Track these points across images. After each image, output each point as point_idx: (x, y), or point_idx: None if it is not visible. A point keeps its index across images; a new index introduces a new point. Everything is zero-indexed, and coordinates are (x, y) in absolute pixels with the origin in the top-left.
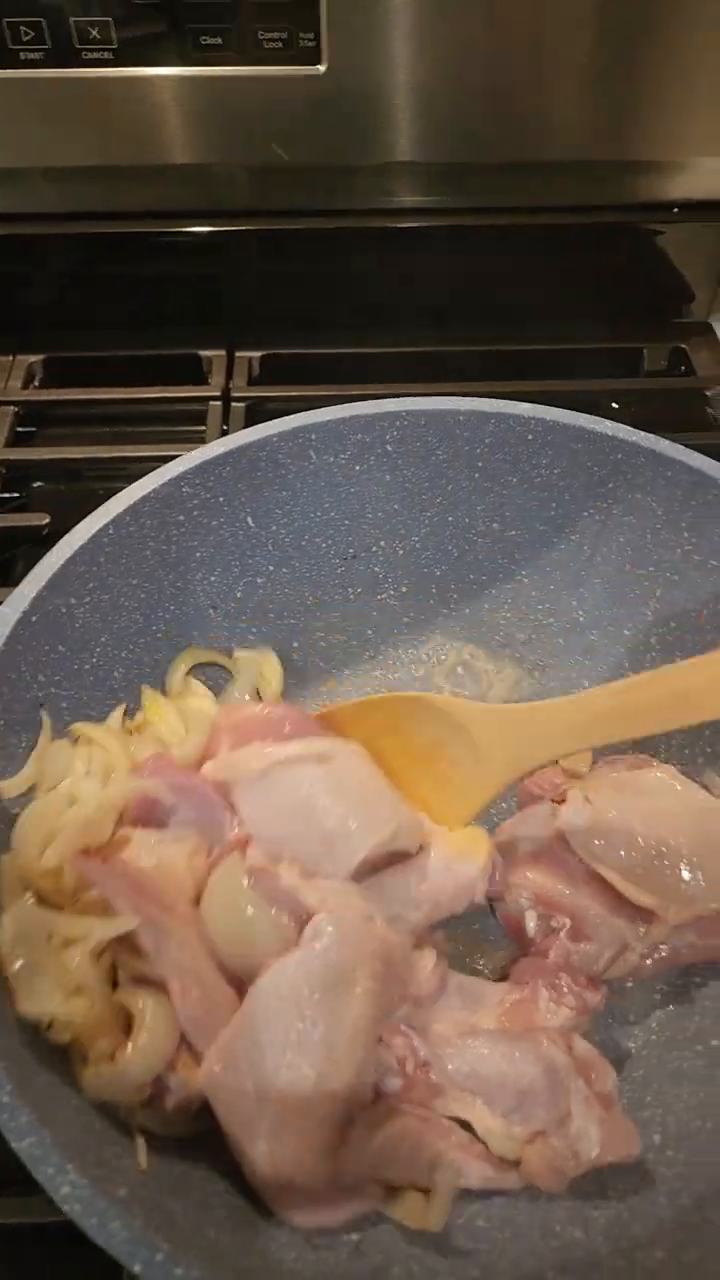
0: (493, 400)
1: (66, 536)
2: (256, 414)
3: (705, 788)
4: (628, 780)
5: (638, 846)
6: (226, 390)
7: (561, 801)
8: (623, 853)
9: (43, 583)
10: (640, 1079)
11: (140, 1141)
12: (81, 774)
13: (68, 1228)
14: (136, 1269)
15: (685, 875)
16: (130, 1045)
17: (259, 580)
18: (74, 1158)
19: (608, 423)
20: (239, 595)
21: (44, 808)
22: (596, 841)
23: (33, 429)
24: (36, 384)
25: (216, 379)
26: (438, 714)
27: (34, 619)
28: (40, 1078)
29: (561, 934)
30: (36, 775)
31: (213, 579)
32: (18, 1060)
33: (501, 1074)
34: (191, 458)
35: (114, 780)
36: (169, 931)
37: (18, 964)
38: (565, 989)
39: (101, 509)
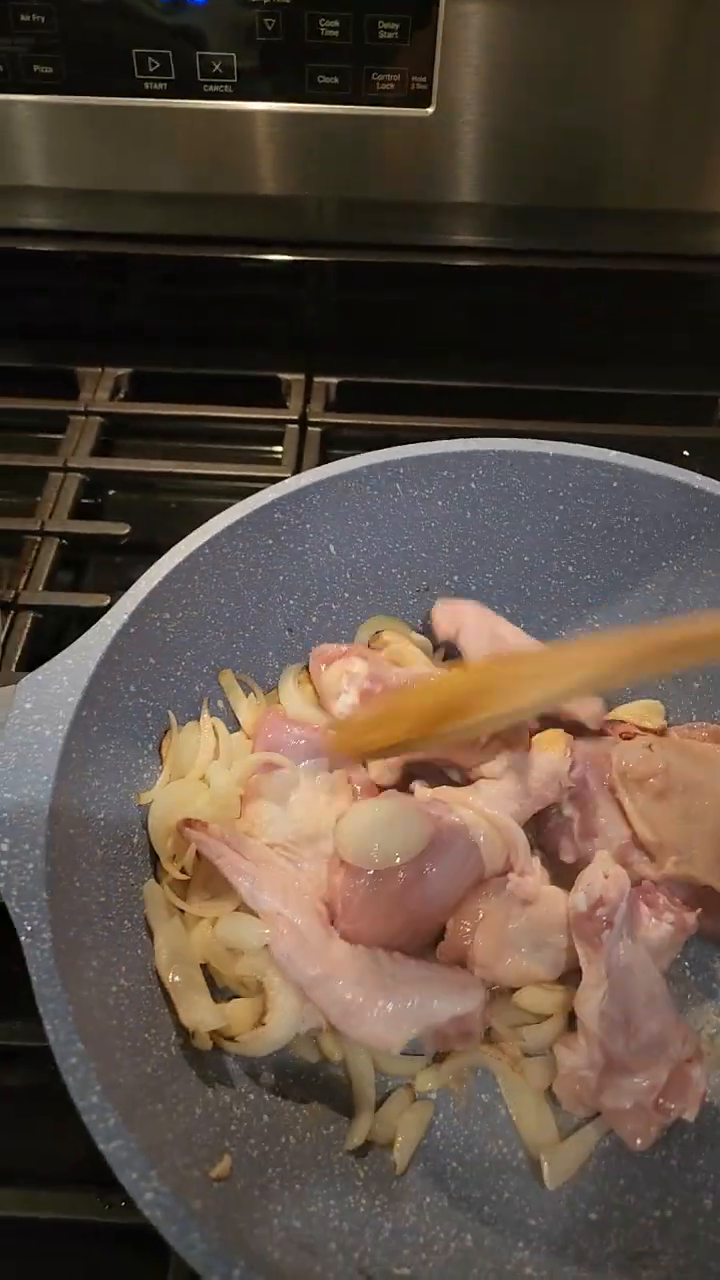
0: (580, 446)
1: (168, 553)
2: (332, 439)
3: None
4: (698, 749)
5: (670, 801)
6: (304, 414)
7: (629, 738)
8: (654, 800)
9: (144, 595)
10: (692, 1142)
11: (226, 1158)
12: (209, 760)
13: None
14: None
15: (698, 843)
16: (268, 1021)
17: (334, 606)
18: (156, 1163)
19: (694, 475)
20: (314, 619)
21: (176, 794)
22: (636, 782)
23: (109, 439)
24: (122, 396)
25: (294, 403)
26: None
27: (132, 630)
28: (123, 1080)
29: (574, 824)
30: (170, 770)
31: (292, 602)
32: (104, 1062)
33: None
34: (286, 485)
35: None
36: (262, 883)
37: (174, 978)
38: (664, 905)
39: (201, 529)
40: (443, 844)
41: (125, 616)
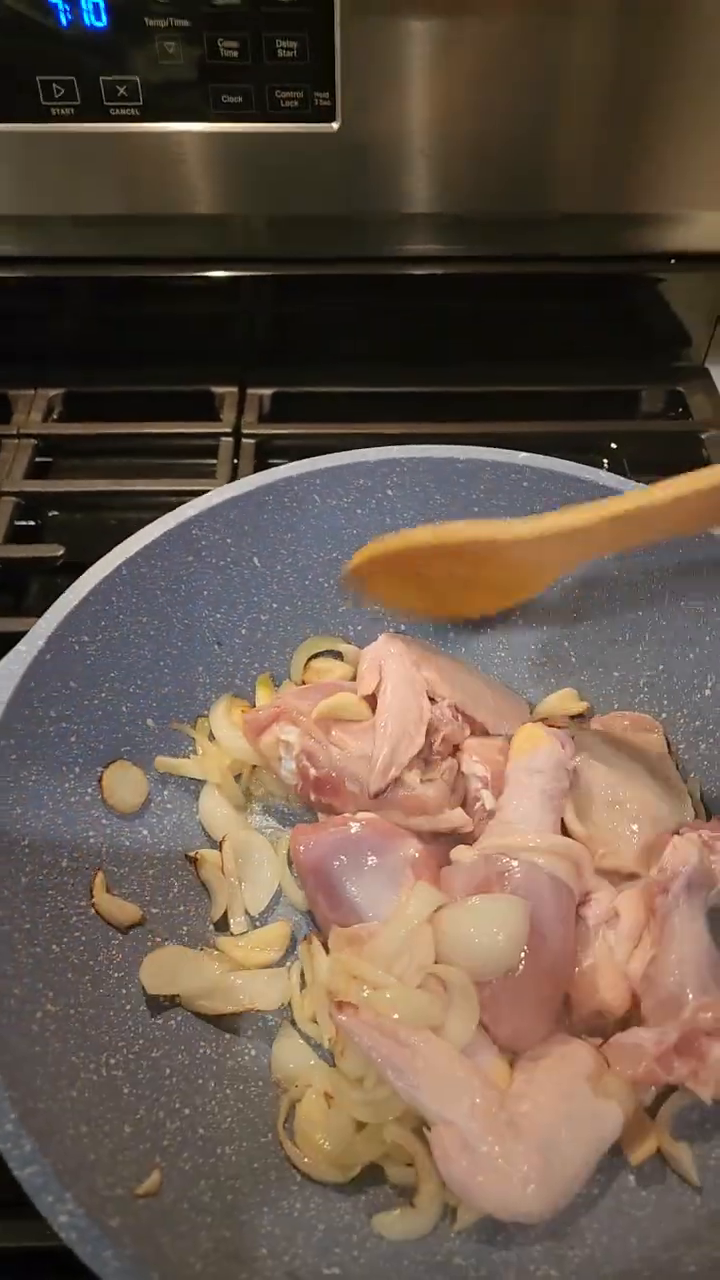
0: (489, 449)
1: (82, 576)
2: (267, 450)
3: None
4: (618, 737)
5: (597, 789)
6: (238, 427)
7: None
8: (581, 787)
9: (58, 621)
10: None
11: (155, 1174)
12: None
13: (60, 1253)
14: None
15: (623, 832)
16: (419, 1204)
17: (263, 618)
18: (71, 1186)
19: (599, 472)
20: (244, 631)
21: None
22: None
23: (49, 460)
24: (56, 417)
25: (228, 415)
26: (488, 543)
27: (49, 656)
28: (42, 1106)
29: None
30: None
31: (219, 616)
32: (22, 1089)
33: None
34: (202, 501)
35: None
36: (420, 1083)
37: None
38: None
39: (116, 550)
40: (538, 898)
41: (41, 642)
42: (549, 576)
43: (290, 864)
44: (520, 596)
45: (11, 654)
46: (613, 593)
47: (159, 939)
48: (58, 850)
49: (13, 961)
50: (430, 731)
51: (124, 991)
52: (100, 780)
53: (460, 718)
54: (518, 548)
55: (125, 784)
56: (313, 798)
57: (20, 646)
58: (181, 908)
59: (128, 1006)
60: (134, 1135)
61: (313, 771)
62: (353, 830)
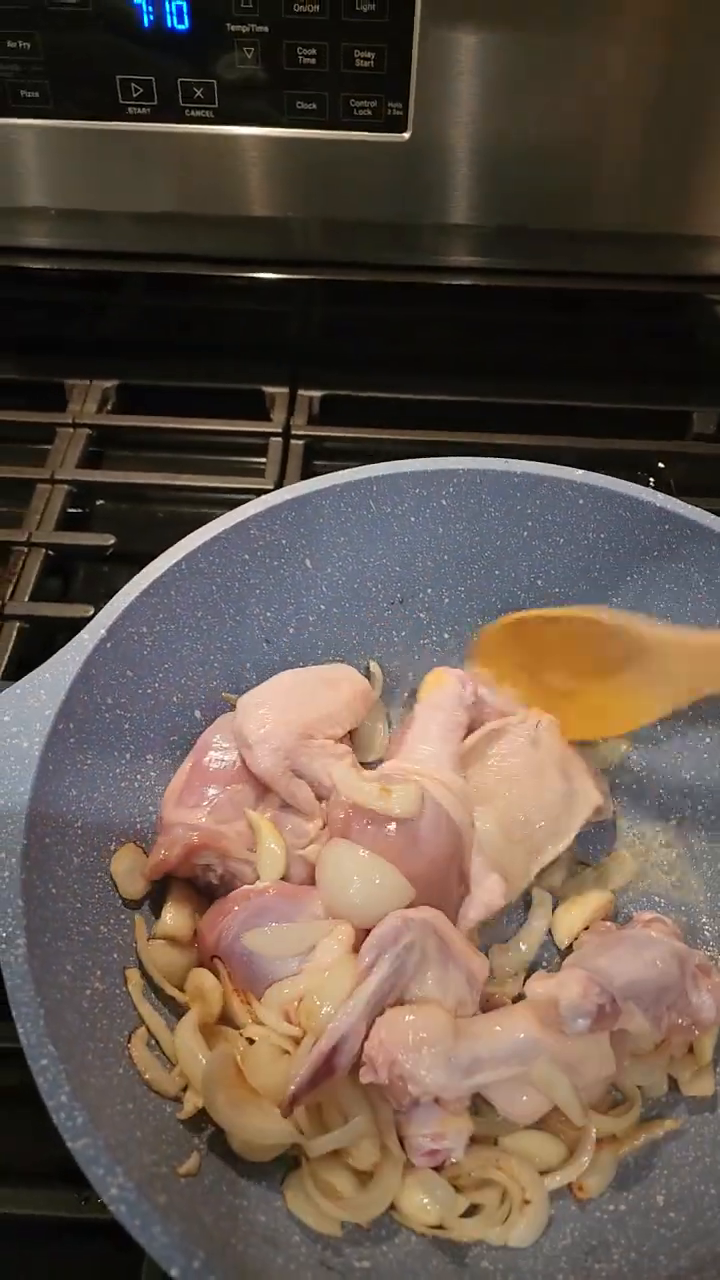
0: (545, 465)
1: (145, 568)
2: (315, 451)
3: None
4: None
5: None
6: (288, 427)
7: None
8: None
9: (121, 610)
10: (648, 1140)
11: (195, 1156)
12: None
13: (99, 1225)
14: (174, 1273)
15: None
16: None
17: (311, 618)
18: (123, 1160)
19: (657, 494)
20: (291, 631)
21: None
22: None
23: (100, 451)
24: (109, 408)
25: (278, 415)
26: (629, 635)
27: (109, 644)
28: (94, 1081)
29: None
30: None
31: (269, 614)
32: (75, 1063)
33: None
34: (262, 502)
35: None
36: None
37: None
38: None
39: (178, 545)
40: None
41: (102, 631)
42: (681, 696)
43: None
44: (635, 721)
45: (73, 641)
46: (662, 613)
47: None
48: (107, 833)
49: (66, 939)
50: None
51: None
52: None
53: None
54: (660, 655)
55: (135, 869)
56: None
57: (83, 634)
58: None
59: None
60: (172, 1117)
61: (242, 884)
62: (254, 902)
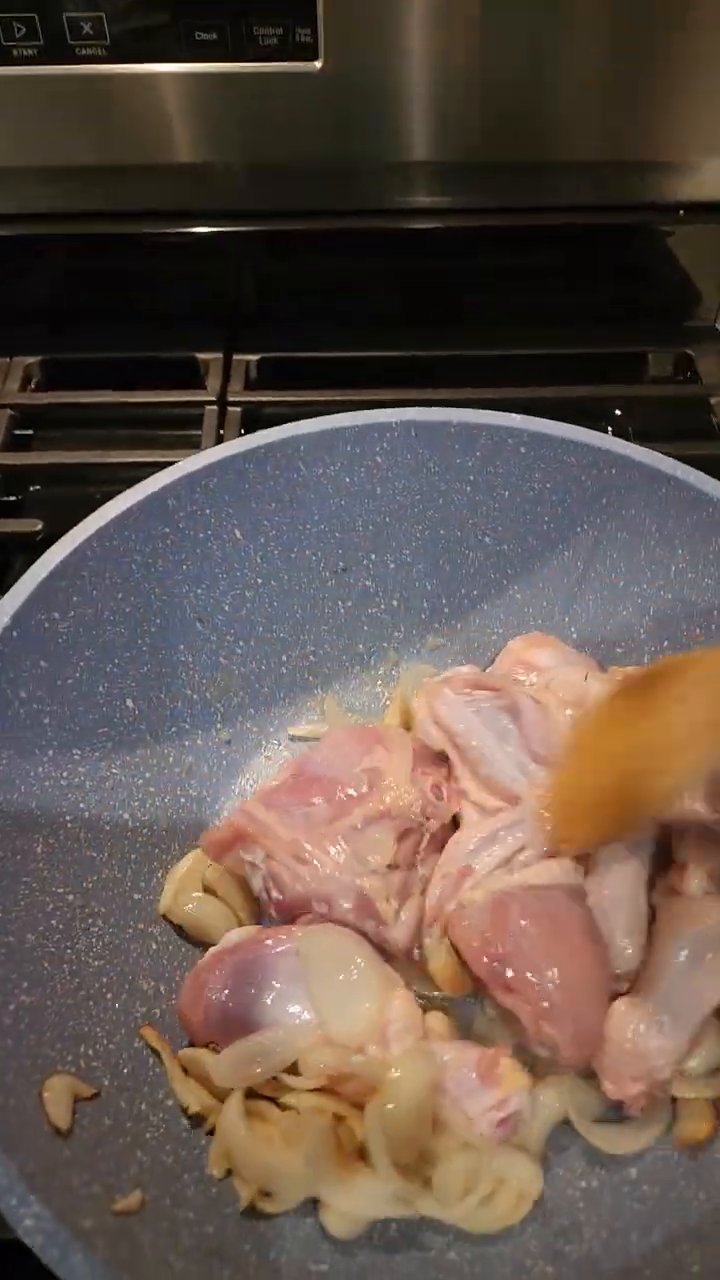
0: (484, 412)
1: (48, 551)
2: (255, 419)
3: None
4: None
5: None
6: (223, 394)
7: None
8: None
9: (23, 598)
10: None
11: (136, 1193)
12: None
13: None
14: None
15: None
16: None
17: (247, 593)
18: (39, 1189)
19: (602, 436)
20: (226, 608)
21: None
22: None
23: (30, 432)
24: (33, 386)
25: (213, 383)
26: None
27: (15, 634)
28: (13, 1102)
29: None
30: None
31: (199, 592)
32: None
33: None
34: (176, 470)
35: None
36: None
37: None
38: None
39: (83, 523)
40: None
41: (5, 619)
42: None
43: None
44: None
45: None
46: (615, 563)
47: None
48: (31, 835)
49: None
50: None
51: (104, 980)
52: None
53: (444, 796)
54: None
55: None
56: (274, 914)
57: None
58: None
59: (108, 995)
60: (113, 1129)
61: (277, 895)
62: (230, 964)
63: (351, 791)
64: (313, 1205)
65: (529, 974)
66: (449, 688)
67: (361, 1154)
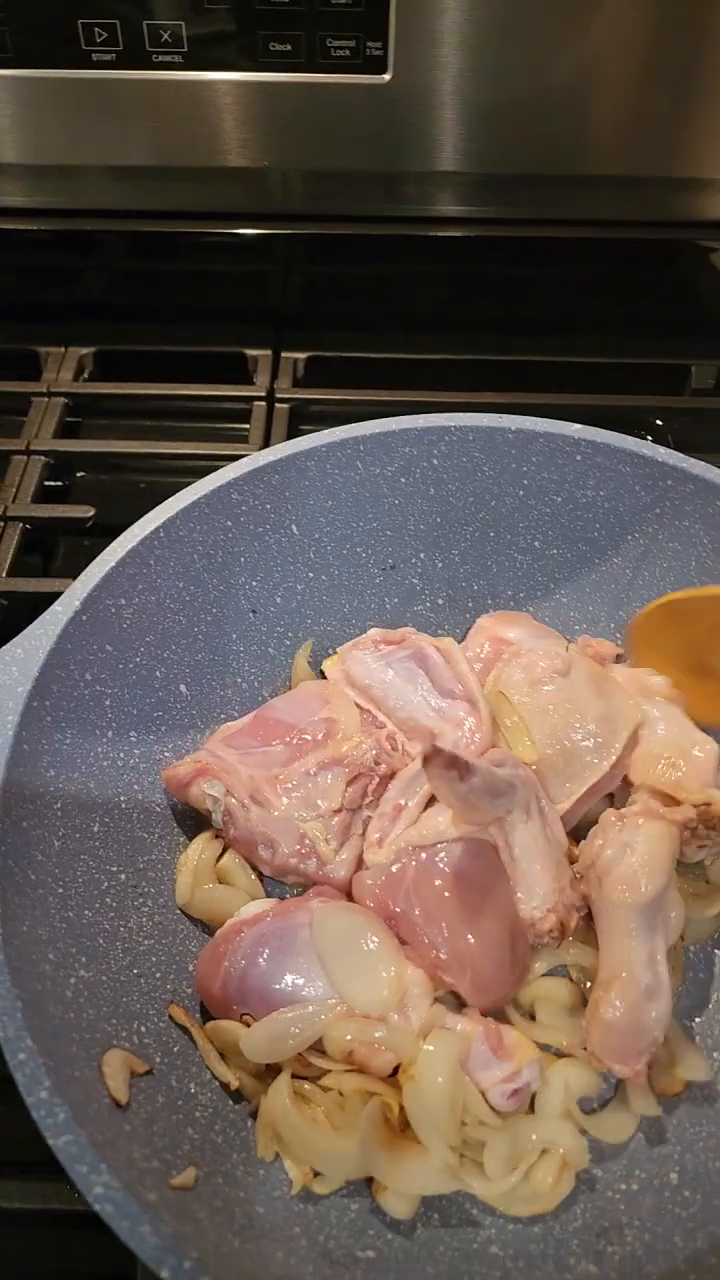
0: (541, 420)
1: (120, 538)
2: (300, 415)
3: None
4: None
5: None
6: (271, 391)
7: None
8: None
9: (95, 582)
10: (660, 1116)
11: (190, 1170)
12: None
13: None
14: (165, 1274)
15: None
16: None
17: (299, 586)
18: (108, 1158)
19: (658, 448)
20: (279, 600)
21: None
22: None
23: (78, 420)
24: (86, 376)
25: (262, 379)
26: None
27: (84, 618)
28: (78, 1074)
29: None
30: None
31: (254, 583)
32: (57, 1056)
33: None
34: (242, 465)
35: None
36: None
37: None
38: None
39: (154, 512)
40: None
41: (76, 604)
42: None
43: None
44: None
45: (46, 615)
46: (665, 572)
47: None
48: (89, 814)
49: (47, 926)
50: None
51: (154, 959)
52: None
53: (398, 747)
54: None
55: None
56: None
57: (55, 607)
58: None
59: (158, 974)
60: (166, 1105)
61: (231, 830)
62: (248, 935)
63: (308, 737)
64: (354, 1192)
65: (419, 931)
66: (357, 649)
67: (406, 1131)
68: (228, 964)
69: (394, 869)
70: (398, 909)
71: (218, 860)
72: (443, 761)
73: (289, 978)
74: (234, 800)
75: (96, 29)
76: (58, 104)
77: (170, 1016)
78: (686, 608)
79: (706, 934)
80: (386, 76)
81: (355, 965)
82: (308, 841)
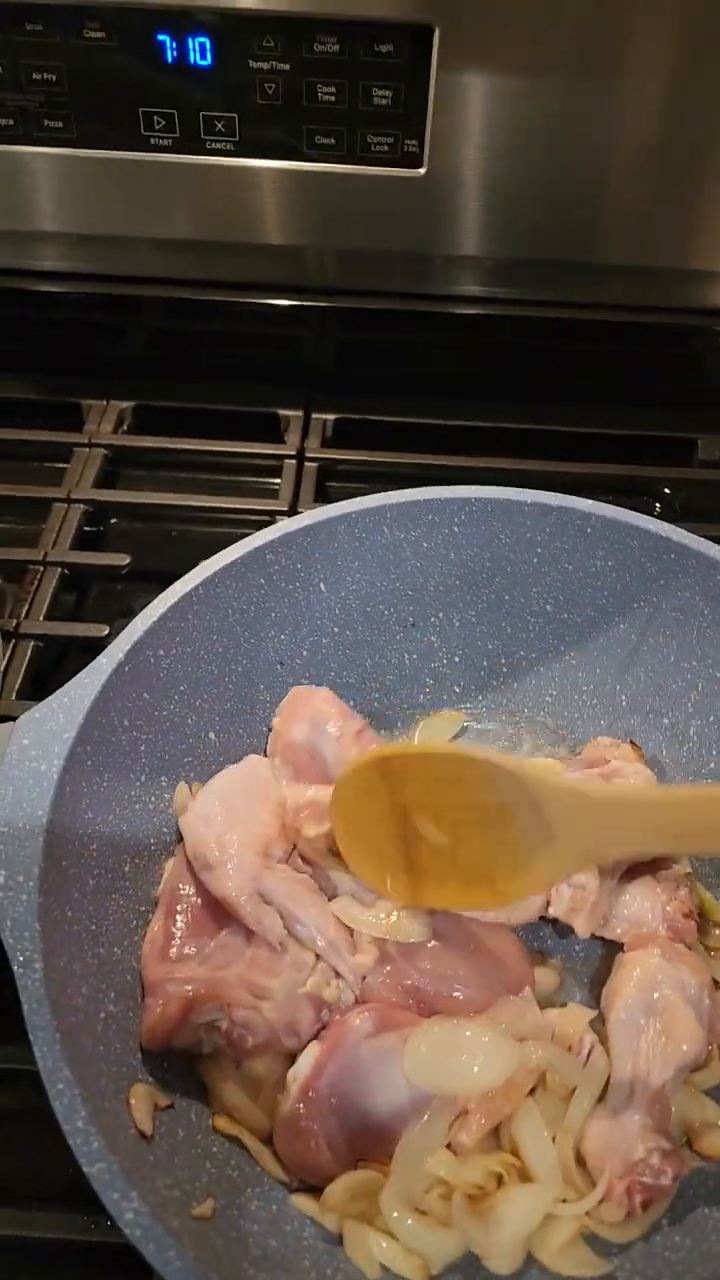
0: (555, 495)
1: (163, 593)
2: (328, 474)
3: None
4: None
5: None
6: (301, 450)
7: None
8: None
9: (139, 635)
10: (665, 1225)
11: (209, 1201)
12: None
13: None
14: None
15: None
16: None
17: (324, 641)
18: (136, 1185)
19: (662, 524)
20: (305, 653)
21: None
22: None
23: (115, 470)
24: (125, 429)
25: (293, 438)
26: (512, 781)
27: (127, 668)
28: (108, 1105)
29: None
30: None
31: (283, 637)
32: (90, 1087)
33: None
34: (278, 528)
35: None
36: None
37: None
38: None
39: (196, 570)
40: None
41: (120, 655)
42: (566, 864)
43: None
44: (520, 887)
45: (92, 665)
46: (668, 639)
47: None
48: (121, 854)
49: (81, 961)
50: None
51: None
52: (128, 1101)
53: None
54: (538, 806)
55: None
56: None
57: (101, 659)
58: None
59: None
60: (186, 1139)
61: (250, 1042)
62: (321, 1089)
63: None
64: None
65: (441, 995)
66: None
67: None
68: (319, 1127)
69: (388, 967)
70: (407, 983)
71: None
72: None
73: (381, 1100)
74: (242, 1011)
75: (156, 117)
76: (113, 181)
77: (216, 1129)
78: (393, 766)
79: None
80: (421, 170)
81: (461, 1053)
82: (319, 1000)
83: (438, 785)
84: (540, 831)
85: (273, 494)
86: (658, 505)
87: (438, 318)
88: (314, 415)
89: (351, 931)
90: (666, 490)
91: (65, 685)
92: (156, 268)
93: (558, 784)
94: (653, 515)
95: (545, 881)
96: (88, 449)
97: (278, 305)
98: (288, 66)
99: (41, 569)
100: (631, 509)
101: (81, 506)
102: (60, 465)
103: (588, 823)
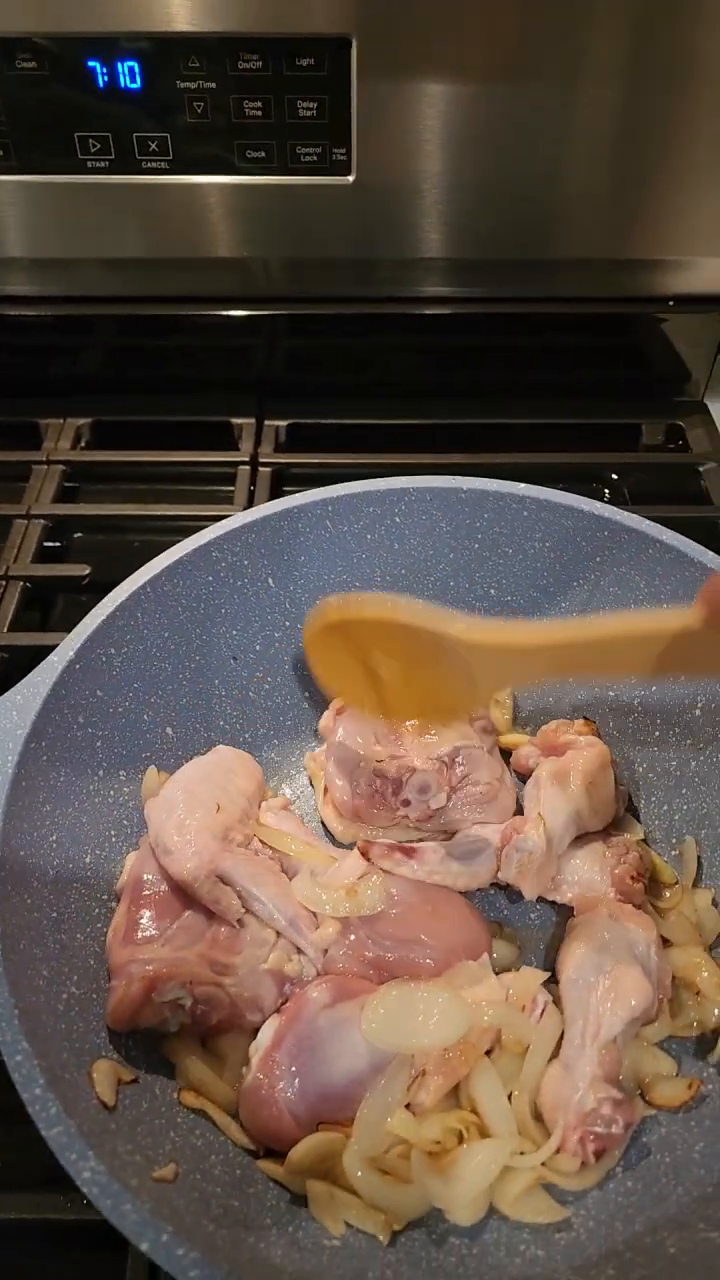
0: (491, 481)
1: (111, 593)
2: (282, 478)
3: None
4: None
5: None
6: (255, 456)
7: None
8: None
9: (88, 633)
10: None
11: (171, 1165)
12: None
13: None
14: (144, 1247)
15: None
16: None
17: (276, 634)
18: (94, 1145)
19: (595, 503)
20: (258, 647)
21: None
22: None
23: (76, 485)
24: (84, 445)
25: (246, 445)
26: (431, 634)
27: (78, 666)
28: (67, 1078)
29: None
30: None
31: (235, 632)
32: (50, 1059)
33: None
34: (222, 525)
35: None
36: None
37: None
38: None
39: (142, 569)
40: None
41: (70, 653)
42: (485, 691)
43: None
44: (458, 710)
45: (44, 664)
46: (609, 614)
47: None
48: (82, 845)
49: (41, 946)
50: None
51: None
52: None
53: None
54: (457, 650)
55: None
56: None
57: (52, 657)
58: None
59: None
60: (150, 1111)
61: (214, 1017)
62: (282, 1057)
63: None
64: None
65: (404, 960)
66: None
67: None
68: (281, 1096)
69: (351, 938)
70: (369, 955)
71: None
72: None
73: (341, 1067)
74: (204, 988)
75: (91, 140)
76: (57, 205)
77: (182, 1102)
78: (348, 626)
79: None
80: (350, 178)
81: (417, 1013)
82: (281, 975)
83: (382, 635)
84: (464, 668)
85: (230, 500)
86: (607, 491)
87: (383, 319)
88: (266, 422)
89: None
90: (614, 476)
91: (18, 684)
92: (107, 287)
93: (461, 635)
94: (602, 500)
95: (477, 702)
96: (45, 466)
97: (227, 316)
98: (214, 85)
99: (4, 584)
100: (581, 495)
101: (41, 522)
102: (20, 484)
103: (490, 661)
